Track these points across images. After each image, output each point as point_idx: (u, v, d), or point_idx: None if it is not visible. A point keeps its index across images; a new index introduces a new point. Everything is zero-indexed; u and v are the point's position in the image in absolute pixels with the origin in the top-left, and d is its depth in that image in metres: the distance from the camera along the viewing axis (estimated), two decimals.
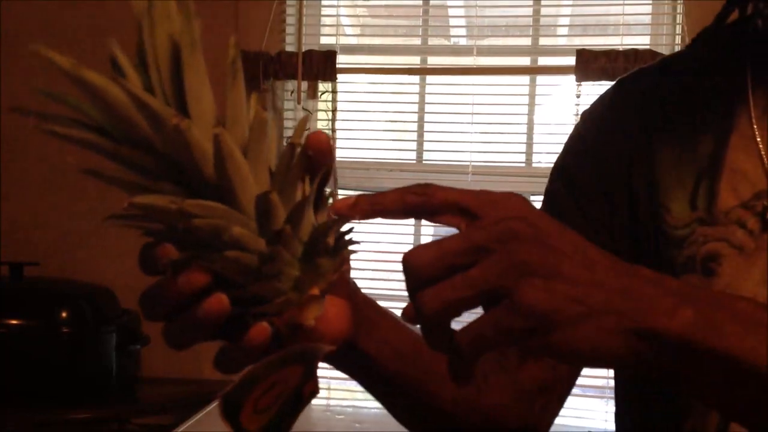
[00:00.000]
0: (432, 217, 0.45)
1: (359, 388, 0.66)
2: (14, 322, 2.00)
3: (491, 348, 0.42)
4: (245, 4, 2.29)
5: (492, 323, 0.42)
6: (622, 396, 0.78)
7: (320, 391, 0.46)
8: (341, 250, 0.46)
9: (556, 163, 0.80)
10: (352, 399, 2.23)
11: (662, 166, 0.71)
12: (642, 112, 0.74)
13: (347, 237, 0.46)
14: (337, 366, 0.61)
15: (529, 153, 2.34)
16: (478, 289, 0.41)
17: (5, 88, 2.45)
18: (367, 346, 0.59)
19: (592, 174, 0.75)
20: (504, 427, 0.70)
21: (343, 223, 0.46)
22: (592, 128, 0.77)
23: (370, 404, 2.11)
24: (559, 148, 0.80)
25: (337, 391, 2.25)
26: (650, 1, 2.30)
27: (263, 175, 0.43)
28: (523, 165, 2.32)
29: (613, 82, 0.80)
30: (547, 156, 2.32)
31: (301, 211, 0.43)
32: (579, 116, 0.81)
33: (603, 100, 0.79)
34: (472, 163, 2.29)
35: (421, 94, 2.41)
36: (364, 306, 0.59)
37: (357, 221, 0.46)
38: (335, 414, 2.10)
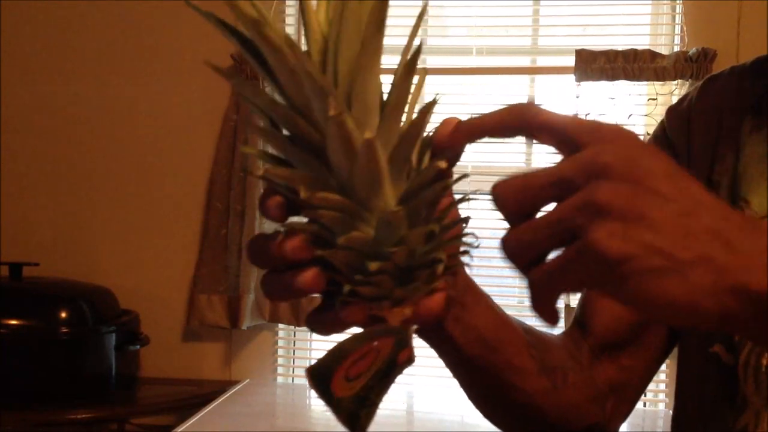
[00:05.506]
0: (532, 138, 0.42)
1: None
2: (14, 322, 1.99)
3: (561, 289, 0.40)
4: (245, 5, 2.28)
5: (560, 265, 0.38)
6: (681, 393, 0.78)
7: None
8: (446, 272, 0.44)
9: None
10: None
11: (748, 161, 0.72)
12: (731, 110, 0.75)
13: (456, 260, 0.45)
14: (423, 339, 0.59)
15: (528, 153, 2.34)
16: (552, 229, 0.38)
17: (5, 88, 2.45)
18: (452, 329, 0.58)
19: None
20: (577, 425, 0.70)
21: (458, 248, 0.45)
22: (675, 124, 0.78)
23: None
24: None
25: None
26: (650, 1, 2.30)
27: (399, 181, 0.43)
28: (523, 165, 2.32)
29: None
30: (546, 156, 2.32)
31: (419, 236, 0.42)
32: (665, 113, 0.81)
33: (689, 97, 0.80)
34: (472, 163, 2.29)
35: (421, 94, 2.41)
36: (463, 289, 0.58)
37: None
38: None
